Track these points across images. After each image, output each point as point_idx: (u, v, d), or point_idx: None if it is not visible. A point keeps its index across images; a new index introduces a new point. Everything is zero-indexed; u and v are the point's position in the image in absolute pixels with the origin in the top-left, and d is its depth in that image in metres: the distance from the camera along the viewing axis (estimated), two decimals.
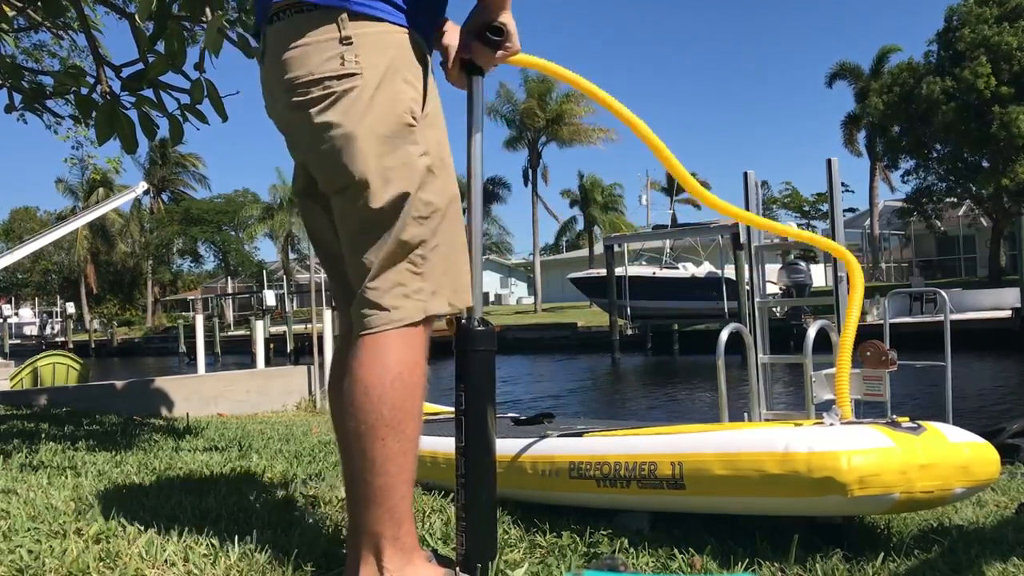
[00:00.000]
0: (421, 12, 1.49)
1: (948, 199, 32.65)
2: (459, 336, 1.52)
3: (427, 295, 1.43)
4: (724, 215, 2.21)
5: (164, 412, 7.30)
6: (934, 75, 28.27)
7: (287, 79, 1.43)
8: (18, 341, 45.00)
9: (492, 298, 52.80)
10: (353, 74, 1.39)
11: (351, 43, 1.39)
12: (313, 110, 1.41)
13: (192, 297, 48.49)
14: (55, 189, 52.89)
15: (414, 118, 1.43)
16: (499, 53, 1.54)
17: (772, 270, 20.29)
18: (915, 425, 1.78)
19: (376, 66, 1.40)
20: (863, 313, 2.31)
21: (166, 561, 1.62)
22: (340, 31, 1.39)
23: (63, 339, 44.91)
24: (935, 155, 31.03)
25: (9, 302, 52.00)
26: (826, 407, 2.45)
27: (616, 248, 26.26)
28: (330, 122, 1.40)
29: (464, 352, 1.53)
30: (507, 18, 1.52)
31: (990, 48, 26.56)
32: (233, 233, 49.73)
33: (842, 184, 4.60)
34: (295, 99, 1.42)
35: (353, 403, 1.39)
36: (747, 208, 4.40)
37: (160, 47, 3.79)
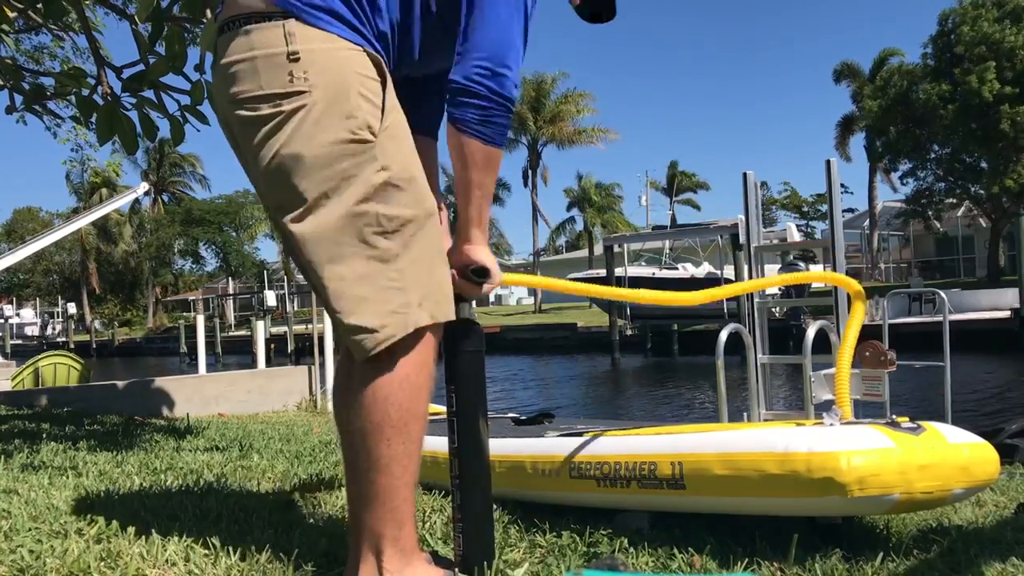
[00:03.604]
0: (374, 31, 1.44)
1: (947, 200, 32.57)
2: (448, 337, 1.53)
3: (413, 307, 1.39)
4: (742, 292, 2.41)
5: (165, 412, 7.30)
6: (931, 79, 28.09)
7: (234, 92, 1.38)
8: (19, 341, 45.08)
9: (492, 298, 52.72)
10: (302, 92, 1.34)
11: (299, 59, 1.35)
12: (262, 128, 1.36)
13: (193, 297, 48.53)
14: (64, 188, 53.15)
15: (372, 133, 1.37)
16: (484, 287, 1.58)
17: (771, 271, 20.34)
18: (915, 425, 1.79)
19: (326, 83, 1.35)
20: None
21: (167, 561, 1.63)
22: (288, 45, 1.35)
23: (64, 339, 44.95)
24: (933, 156, 30.93)
25: (11, 302, 52.07)
26: (826, 407, 2.45)
27: (616, 249, 26.22)
28: (279, 140, 1.35)
29: (453, 353, 1.54)
30: (485, 257, 1.55)
31: (991, 46, 26.33)
32: (234, 234, 49.70)
33: (841, 185, 4.61)
34: (243, 113, 1.38)
35: (360, 402, 1.38)
36: (747, 208, 4.42)
37: (161, 48, 3.80)
